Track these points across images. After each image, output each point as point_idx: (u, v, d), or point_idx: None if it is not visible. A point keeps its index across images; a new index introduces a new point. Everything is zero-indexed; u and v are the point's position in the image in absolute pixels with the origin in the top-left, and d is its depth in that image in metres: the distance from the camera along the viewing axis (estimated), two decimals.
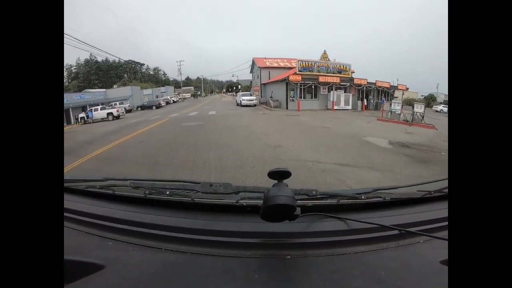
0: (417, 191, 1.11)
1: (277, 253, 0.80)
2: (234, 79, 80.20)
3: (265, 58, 36.87)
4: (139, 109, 39.58)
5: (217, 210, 0.97)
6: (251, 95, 31.27)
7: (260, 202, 0.77)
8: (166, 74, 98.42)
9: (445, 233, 0.85)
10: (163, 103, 43.00)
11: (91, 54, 72.49)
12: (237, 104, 31.61)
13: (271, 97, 28.24)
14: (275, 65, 34.92)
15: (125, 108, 36.47)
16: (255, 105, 29.05)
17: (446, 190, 1.07)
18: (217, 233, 0.85)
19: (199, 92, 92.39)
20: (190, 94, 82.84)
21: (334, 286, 0.65)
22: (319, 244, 0.82)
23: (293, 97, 24.64)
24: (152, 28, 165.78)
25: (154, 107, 39.11)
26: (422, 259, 0.78)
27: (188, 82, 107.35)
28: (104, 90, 47.17)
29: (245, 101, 29.16)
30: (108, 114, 27.86)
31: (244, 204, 0.93)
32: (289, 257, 0.77)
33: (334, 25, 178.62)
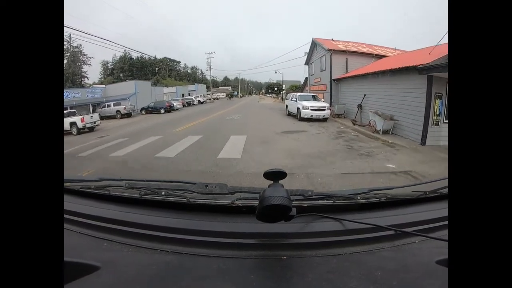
0: (412, 191, 1.09)
1: (273, 254, 0.77)
2: (273, 79, 66.69)
3: (333, 40, 21.65)
4: (143, 112, 26.73)
5: (213, 211, 0.93)
6: (314, 98, 16.07)
7: (255, 202, 0.74)
8: (203, 73, 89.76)
9: (440, 233, 0.84)
10: (178, 105, 29.78)
11: (125, 51, 65.57)
12: (289, 114, 17.16)
13: (359, 105, 13.23)
14: (353, 49, 19.52)
15: (119, 111, 23.65)
16: (325, 119, 14.21)
17: (441, 191, 1.06)
18: (213, 234, 0.82)
19: (235, 93, 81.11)
20: (225, 94, 70.23)
21: (330, 287, 0.63)
22: (315, 245, 0.80)
23: (439, 113, 8.49)
24: (190, 28, 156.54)
25: (162, 110, 25.93)
26: (418, 259, 0.76)
27: (226, 82, 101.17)
28: (103, 86, 34.85)
29: (308, 112, 14.09)
30: (72, 124, 15.65)
31: (240, 204, 0.90)
32: (285, 257, 0.75)
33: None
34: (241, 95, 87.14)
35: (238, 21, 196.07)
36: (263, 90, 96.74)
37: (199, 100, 41.39)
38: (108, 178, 1.16)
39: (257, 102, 41.72)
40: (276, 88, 65.21)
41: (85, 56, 61.10)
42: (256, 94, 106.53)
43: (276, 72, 39.67)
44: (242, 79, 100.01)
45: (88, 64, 61.70)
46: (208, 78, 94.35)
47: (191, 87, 56.39)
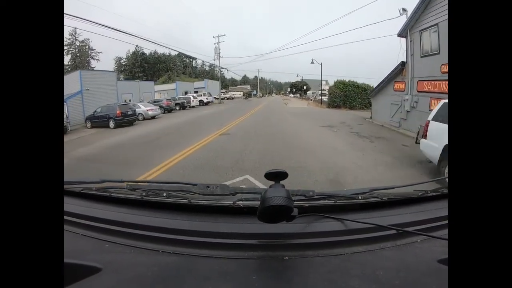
0: (414, 190, 1.05)
1: (275, 254, 0.74)
2: (301, 75, 52.75)
3: None
4: (88, 124, 14.11)
5: (214, 212, 0.89)
6: None
7: (257, 203, 0.71)
8: (221, 71, 77.92)
9: (442, 232, 0.81)
10: (151, 111, 16.61)
11: (137, 46, 57.89)
12: None
13: None
14: None
15: None
16: None
17: (443, 190, 1.03)
18: (215, 235, 0.79)
19: (254, 92, 68.89)
20: (242, 93, 57.59)
21: (332, 287, 0.61)
22: (316, 245, 0.77)
23: None
24: (210, 24, 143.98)
25: (112, 123, 13.03)
26: (419, 258, 0.73)
27: (245, 80, 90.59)
28: None
29: None
30: None
31: (241, 205, 0.86)
32: (286, 258, 0.72)
33: None
34: (261, 95, 75.22)
35: (260, 20, 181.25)
36: (288, 89, 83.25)
37: (201, 101, 28.05)
38: (109, 180, 1.08)
39: (283, 105, 27.96)
40: (304, 87, 51.23)
41: (93, 51, 54.70)
42: (276, 94, 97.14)
43: (312, 62, 25.59)
44: (261, 78, 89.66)
45: (96, 60, 54.53)
46: (227, 77, 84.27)
47: (199, 83, 43.24)
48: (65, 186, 1.03)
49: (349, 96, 22.15)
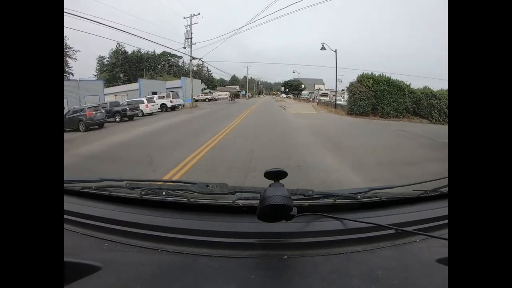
0: (413, 190, 1.03)
1: (274, 253, 0.74)
2: (297, 71, 44.95)
3: None
4: None
5: (214, 211, 0.88)
6: None
7: (256, 202, 0.70)
8: (209, 71, 72.60)
9: (441, 232, 0.80)
10: None
11: (118, 43, 52.52)
12: None
13: None
14: None
15: None
16: None
17: (442, 189, 1.00)
18: (214, 234, 0.78)
19: (243, 92, 61.76)
20: (228, 93, 49.82)
21: (331, 286, 0.60)
22: (316, 244, 0.75)
23: None
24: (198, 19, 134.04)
25: None
26: (418, 258, 0.72)
27: (234, 80, 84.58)
28: None
29: None
30: None
31: (241, 204, 0.85)
32: (286, 257, 0.71)
33: None
34: (250, 95, 67.88)
35: (251, 15, 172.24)
36: (282, 88, 75.32)
37: (163, 105, 19.74)
38: (108, 179, 1.07)
39: (281, 111, 19.82)
40: (302, 86, 43.33)
41: (70, 49, 46.92)
42: (266, 95, 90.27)
43: (324, 48, 17.66)
44: (251, 78, 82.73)
45: (74, 59, 47.59)
46: (216, 77, 75.66)
47: (175, 82, 34.83)
48: (64, 185, 0.99)
49: (381, 98, 14.28)
